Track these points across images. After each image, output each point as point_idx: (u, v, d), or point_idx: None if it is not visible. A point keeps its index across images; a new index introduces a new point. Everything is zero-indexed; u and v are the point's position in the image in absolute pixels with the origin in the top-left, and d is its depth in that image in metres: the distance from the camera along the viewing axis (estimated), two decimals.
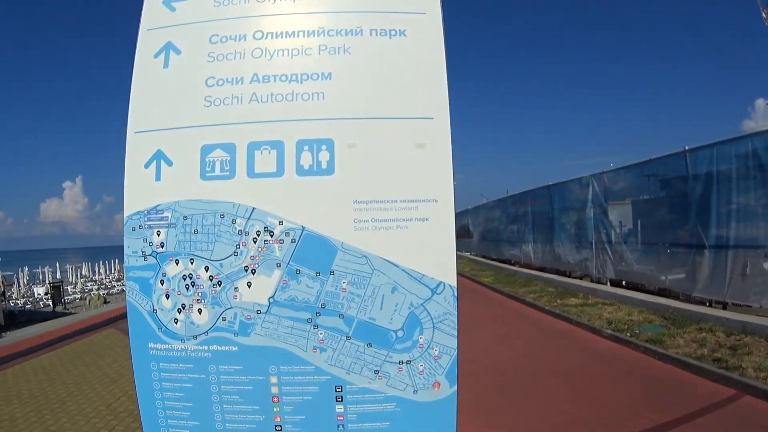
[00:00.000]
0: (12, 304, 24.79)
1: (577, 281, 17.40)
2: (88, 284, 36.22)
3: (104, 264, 46.33)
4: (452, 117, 2.76)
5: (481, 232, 34.08)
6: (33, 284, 34.80)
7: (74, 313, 21.64)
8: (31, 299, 28.50)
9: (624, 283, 15.40)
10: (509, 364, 8.98)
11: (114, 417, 7.50)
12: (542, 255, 21.78)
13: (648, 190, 15.14)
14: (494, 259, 28.95)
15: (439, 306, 2.72)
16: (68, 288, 31.44)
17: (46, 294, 27.40)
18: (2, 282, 23.00)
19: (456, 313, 2.73)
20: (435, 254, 2.72)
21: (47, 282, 30.68)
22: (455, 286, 2.73)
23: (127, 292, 2.90)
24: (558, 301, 14.61)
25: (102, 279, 41.23)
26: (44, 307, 25.93)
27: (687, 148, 12.12)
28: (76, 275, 40.42)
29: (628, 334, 9.92)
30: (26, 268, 39.92)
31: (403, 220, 2.70)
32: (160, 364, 2.84)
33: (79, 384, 9.40)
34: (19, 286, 32.51)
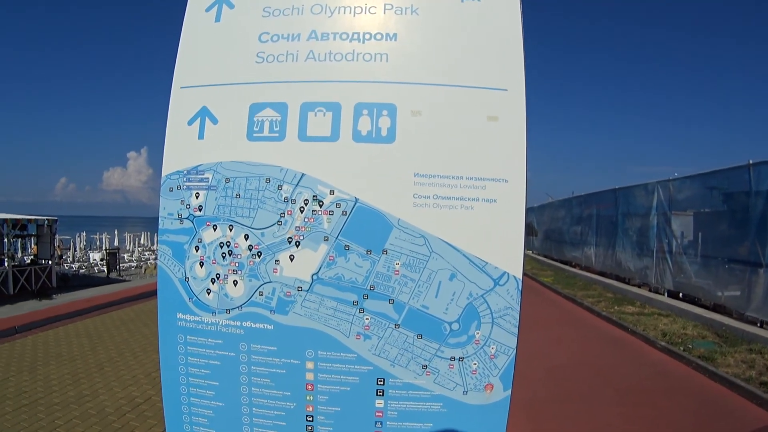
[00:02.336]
0: (66, 268, 24.26)
1: (635, 289, 16.45)
2: (146, 253, 34.36)
3: None
4: (528, 90, 2.32)
5: (545, 232, 32.48)
6: (89, 249, 34.00)
7: (128, 281, 21.36)
8: (86, 264, 27.74)
9: (681, 295, 14.48)
10: (562, 369, 8.39)
11: (152, 387, 7.14)
12: (603, 259, 20.48)
13: (710, 202, 14.11)
14: (555, 260, 27.61)
15: (500, 299, 2.28)
16: (124, 255, 30.66)
17: (101, 260, 26.53)
18: (59, 246, 22.68)
19: (519, 309, 2.29)
20: (501, 241, 2.28)
21: (104, 248, 29.84)
22: (521, 278, 2.29)
23: (158, 256, 2.53)
24: (615, 307, 13.86)
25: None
26: (98, 272, 24.83)
27: (751, 162, 11.37)
28: (134, 243, 38.72)
29: (681, 348, 9.27)
30: (84, 233, 38.93)
31: (469, 199, 2.26)
32: (188, 336, 2.47)
33: (121, 350, 9.12)
34: (75, 251, 31.59)
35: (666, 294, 14.95)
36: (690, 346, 9.31)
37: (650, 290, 15.81)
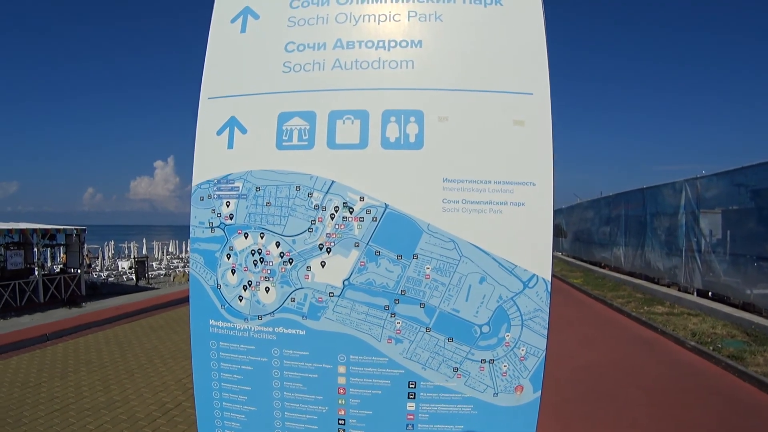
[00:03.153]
0: (95, 276, 24.23)
1: (664, 289, 16.13)
2: (174, 261, 34.33)
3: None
4: (553, 94, 2.26)
5: (574, 233, 31.86)
6: (118, 258, 33.42)
7: (157, 288, 21.20)
8: (114, 272, 27.52)
9: (710, 294, 14.19)
10: (592, 369, 8.27)
11: (182, 393, 7.11)
12: (632, 260, 20.08)
13: (738, 199, 13.68)
14: (584, 261, 27.10)
15: (530, 301, 2.22)
16: (153, 264, 30.39)
17: (130, 268, 26.36)
18: (87, 255, 22.70)
19: (548, 311, 2.23)
20: (530, 244, 2.22)
21: (132, 256, 29.82)
22: (549, 280, 2.23)
23: (190, 264, 2.49)
24: (645, 308, 13.67)
25: (188, 257, 37.59)
26: (127, 280, 24.84)
27: None
28: (162, 252, 38.55)
29: (711, 348, 9.11)
30: (112, 242, 38.77)
31: (497, 203, 2.21)
32: (220, 343, 2.43)
33: (151, 357, 9.09)
34: (104, 259, 31.35)
35: (695, 293, 14.64)
36: (719, 346, 9.14)
37: (679, 290, 15.48)
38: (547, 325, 2.24)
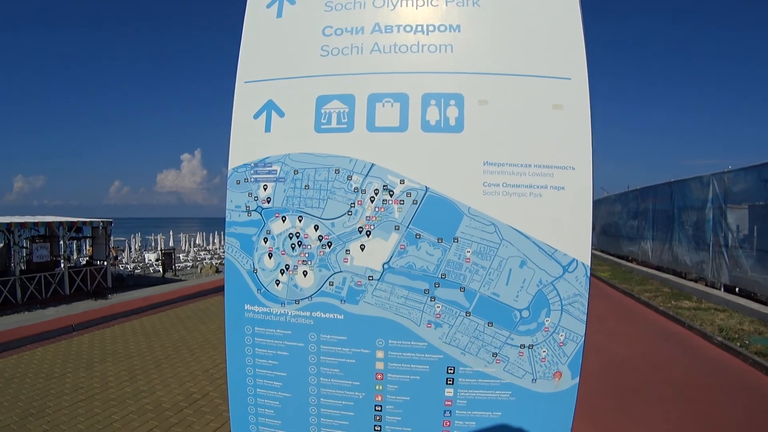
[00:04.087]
0: (122, 269, 24.03)
1: (691, 283, 15.58)
2: (201, 253, 33.85)
3: (219, 234, 40.12)
4: (590, 79, 2.17)
5: (602, 227, 30.59)
6: (145, 250, 33.49)
7: (183, 280, 20.74)
8: (141, 264, 27.23)
9: (737, 289, 13.71)
10: (620, 363, 8.05)
11: (210, 383, 6.95)
12: (660, 254, 19.23)
13: (765, 194, 13.05)
14: (612, 254, 26.32)
15: (570, 286, 2.13)
16: (180, 256, 30.25)
17: (156, 260, 26.32)
18: (114, 248, 22.59)
19: (587, 296, 2.14)
20: (570, 228, 2.13)
21: (159, 249, 29.72)
22: (589, 265, 2.13)
23: (225, 248, 2.40)
24: (672, 302, 13.23)
25: (216, 249, 37.42)
26: (154, 272, 24.67)
27: None
28: (189, 244, 37.94)
29: (738, 344, 8.82)
30: (138, 235, 37.51)
31: (537, 186, 2.12)
32: (255, 328, 2.35)
33: (178, 347, 8.91)
34: (130, 252, 30.55)
35: (722, 289, 14.26)
36: (746, 342, 8.89)
37: (706, 285, 15.07)
38: (586, 311, 2.15)
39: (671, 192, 18.21)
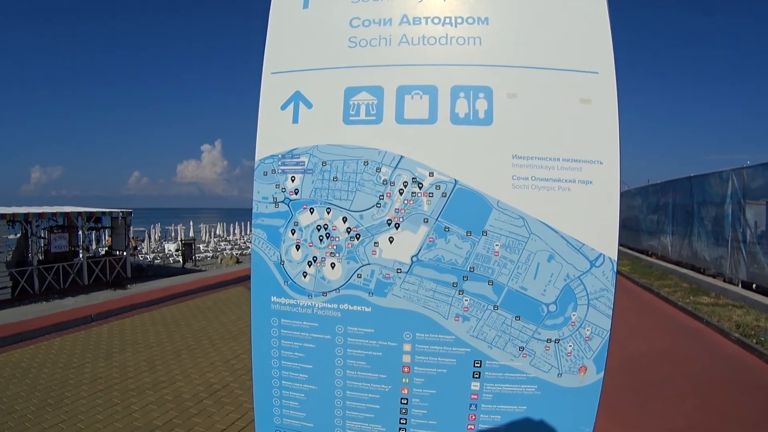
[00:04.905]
0: (141, 259, 23.73)
1: (710, 279, 15.29)
2: (222, 243, 33.03)
3: (239, 225, 40.35)
4: (618, 74, 2.11)
5: (622, 220, 30.22)
6: (164, 241, 32.81)
7: (204, 271, 20.44)
8: (161, 255, 26.74)
9: (754, 286, 13.39)
10: (639, 358, 7.93)
11: (230, 373, 6.87)
12: (679, 249, 18.74)
13: None
14: (632, 249, 25.62)
15: (596, 281, 2.07)
16: (200, 246, 29.43)
17: (177, 250, 26.01)
18: (133, 238, 22.39)
19: (614, 291, 2.08)
20: (597, 222, 2.08)
21: (179, 239, 29.27)
22: (615, 260, 2.08)
23: (252, 240, 2.35)
24: (690, 297, 13.02)
25: (236, 239, 36.38)
26: (174, 263, 24.28)
27: None
28: (210, 234, 36.92)
29: (755, 341, 8.68)
30: (158, 225, 36.51)
31: (566, 180, 2.06)
32: (282, 320, 2.29)
33: (199, 338, 8.80)
34: (150, 242, 29.85)
35: (740, 285, 13.95)
36: (762, 339, 8.75)
37: (724, 280, 14.78)
38: (612, 305, 2.09)
39: (691, 187, 17.76)
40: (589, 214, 2.07)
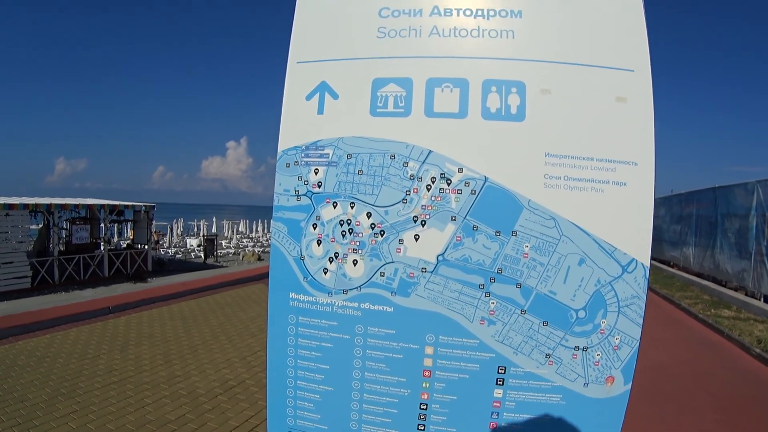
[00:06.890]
0: (163, 253, 23.18)
1: (732, 292, 14.59)
2: (244, 240, 31.52)
3: (262, 222, 38.78)
4: (654, 72, 1.94)
5: None
6: (187, 235, 31.67)
7: (225, 266, 19.74)
8: (182, 250, 25.64)
9: None
10: (659, 370, 7.61)
11: (246, 370, 6.65)
12: (701, 260, 17.82)
13: None
14: (654, 259, 24.51)
15: (628, 287, 1.89)
16: (222, 242, 27.98)
17: (198, 246, 24.89)
18: (155, 232, 22.10)
19: (645, 298, 1.90)
20: (630, 226, 1.89)
21: (201, 234, 28.57)
22: (648, 266, 1.89)
23: (271, 234, 2.18)
24: (712, 310, 12.50)
25: (258, 237, 34.63)
26: (195, 258, 23.20)
27: None
28: (232, 231, 35.53)
29: None
30: (181, 220, 36.44)
31: (599, 181, 1.88)
32: (300, 317, 2.12)
33: (216, 333, 8.55)
34: (172, 236, 29.21)
35: (762, 299, 13.35)
36: None
37: (746, 294, 14.19)
38: (643, 314, 1.91)
39: (715, 198, 17.06)
40: (622, 217, 1.89)
